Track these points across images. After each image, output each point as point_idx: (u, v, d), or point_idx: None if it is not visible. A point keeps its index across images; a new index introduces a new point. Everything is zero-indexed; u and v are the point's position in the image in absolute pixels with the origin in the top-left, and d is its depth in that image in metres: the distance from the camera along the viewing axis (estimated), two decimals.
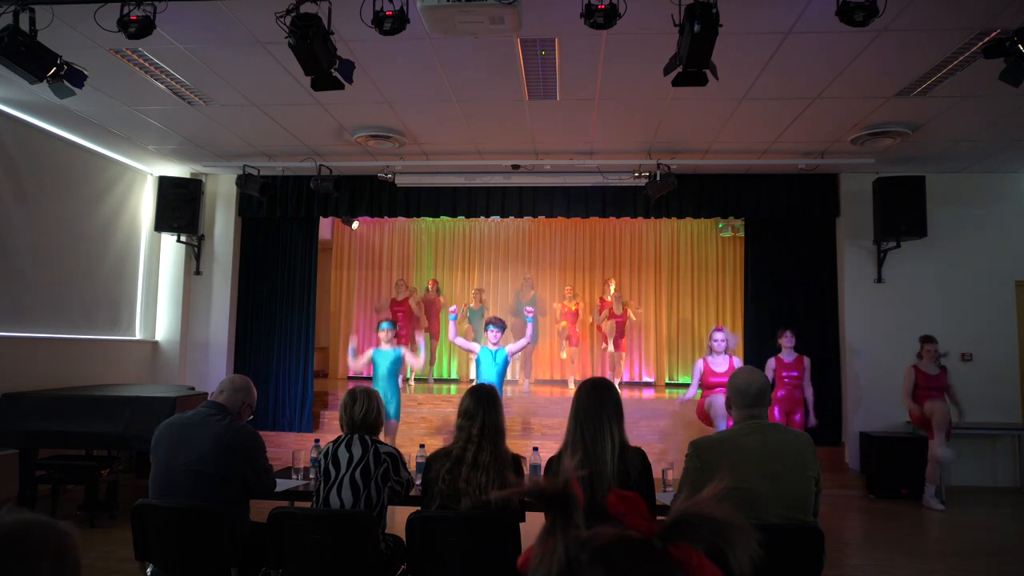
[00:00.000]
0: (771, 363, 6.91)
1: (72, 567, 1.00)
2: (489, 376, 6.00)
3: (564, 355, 10.57)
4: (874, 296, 7.77)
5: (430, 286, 10.98)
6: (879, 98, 5.68)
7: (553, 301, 11.32)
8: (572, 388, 9.87)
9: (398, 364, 6.49)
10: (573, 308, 10.30)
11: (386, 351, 6.47)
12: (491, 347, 6.16)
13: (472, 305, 10.53)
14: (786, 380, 6.81)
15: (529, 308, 6.53)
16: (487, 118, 6.29)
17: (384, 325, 6.58)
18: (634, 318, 10.37)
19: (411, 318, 10.25)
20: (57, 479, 5.70)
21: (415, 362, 6.81)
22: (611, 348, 10.02)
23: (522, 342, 6.37)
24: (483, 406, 3.07)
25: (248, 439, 3.19)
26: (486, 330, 6.22)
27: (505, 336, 6.56)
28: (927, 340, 6.77)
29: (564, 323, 10.31)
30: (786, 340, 6.87)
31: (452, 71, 5.25)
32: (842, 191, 7.91)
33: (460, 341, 6.45)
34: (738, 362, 6.22)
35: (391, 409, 6.26)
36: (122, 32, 3.89)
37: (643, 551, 0.74)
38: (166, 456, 3.13)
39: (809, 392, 6.83)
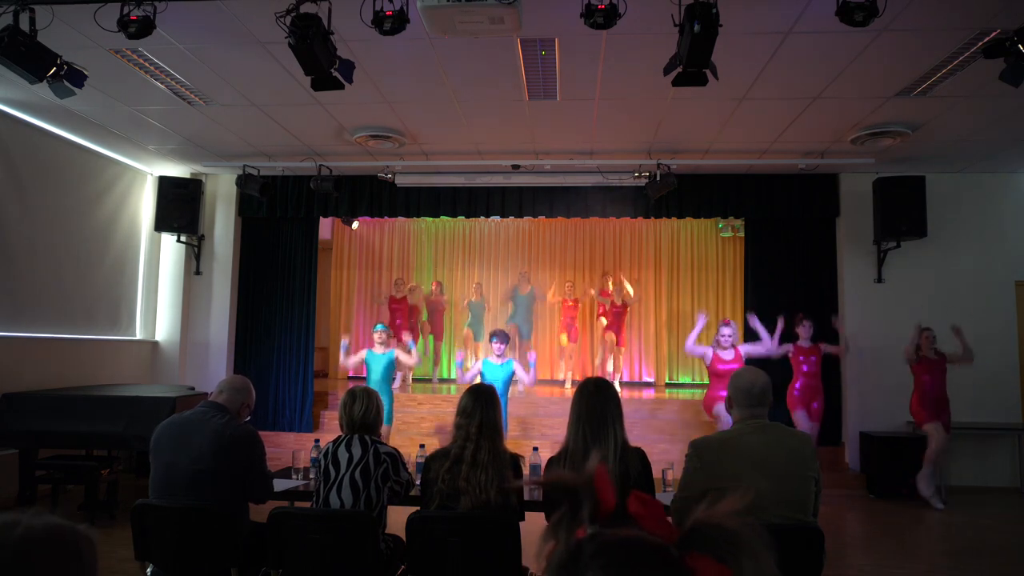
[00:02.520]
0: (789, 348, 6.94)
1: (91, 571, 1.02)
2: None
3: (564, 342, 10.48)
4: (874, 296, 7.77)
5: (434, 287, 10.96)
6: (879, 98, 5.68)
7: (554, 298, 11.32)
8: (569, 388, 9.95)
9: (391, 367, 6.39)
10: (572, 302, 10.29)
11: (379, 354, 6.36)
12: (495, 360, 6.05)
13: (473, 298, 10.54)
14: (805, 368, 6.90)
15: (532, 353, 6.40)
16: (487, 118, 6.29)
17: (378, 327, 6.49)
18: (631, 292, 10.14)
19: (409, 315, 10.25)
20: (57, 479, 5.70)
21: (409, 361, 6.69)
22: (602, 326, 10.02)
23: (525, 379, 6.16)
24: (481, 404, 3.07)
25: (247, 436, 3.20)
26: (491, 341, 6.13)
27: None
28: (925, 330, 6.79)
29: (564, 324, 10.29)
30: (804, 330, 6.94)
31: (452, 71, 5.25)
32: (842, 191, 7.91)
33: (469, 377, 6.19)
34: (744, 349, 6.25)
35: (383, 414, 6.16)
36: (122, 32, 3.89)
37: (659, 556, 0.72)
38: (166, 456, 3.13)
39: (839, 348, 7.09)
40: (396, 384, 6.43)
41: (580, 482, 0.79)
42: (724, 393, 5.85)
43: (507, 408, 6.10)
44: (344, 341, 6.72)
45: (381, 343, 6.39)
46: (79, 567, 1.00)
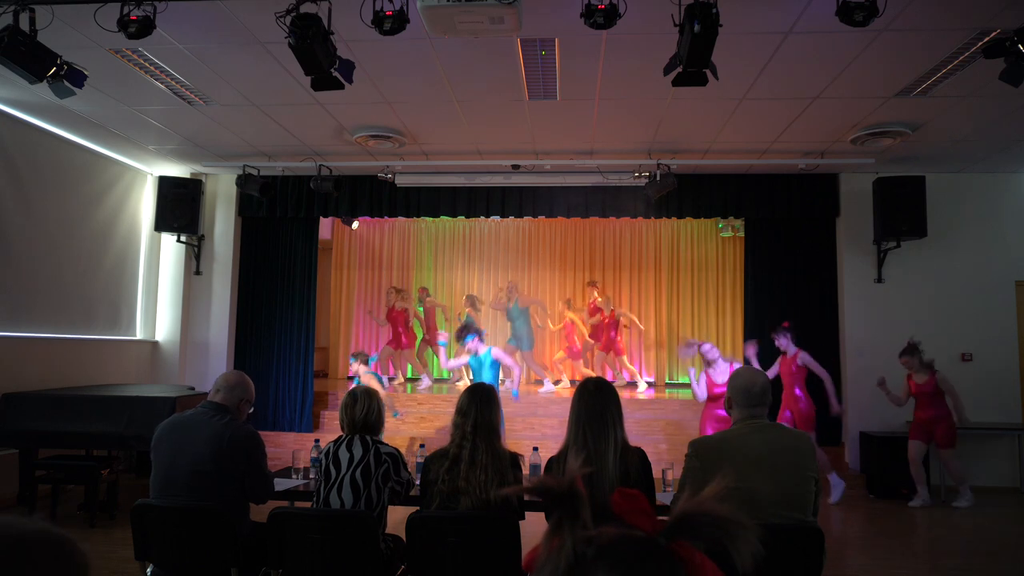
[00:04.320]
0: (779, 360, 6.83)
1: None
2: (484, 380, 6.01)
3: (560, 356, 10.58)
4: (874, 296, 7.77)
5: (420, 294, 10.81)
6: (879, 98, 5.68)
7: (554, 302, 11.33)
8: (560, 388, 9.95)
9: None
10: (570, 320, 10.25)
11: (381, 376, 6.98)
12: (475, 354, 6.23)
13: (467, 310, 10.48)
14: (784, 377, 6.79)
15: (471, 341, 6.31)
16: (487, 118, 6.28)
17: (352, 360, 7.00)
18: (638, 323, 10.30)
19: (407, 322, 10.21)
20: (57, 479, 5.70)
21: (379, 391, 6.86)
22: (597, 351, 10.01)
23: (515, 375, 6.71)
24: (476, 403, 3.07)
25: (246, 438, 3.18)
26: (466, 341, 6.19)
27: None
28: (900, 354, 6.74)
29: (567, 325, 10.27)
30: (782, 343, 6.79)
31: (452, 71, 5.25)
32: (842, 191, 7.91)
33: (452, 363, 6.92)
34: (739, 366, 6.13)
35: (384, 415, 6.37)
36: (122, 32, 3.89)
37: (647, 549, 0.74)
38: (166, 456, 3.13)
39: (823, 373, 6.71)
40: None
41: (564, 486, 0.80)
42: (721, 412, 5.75)
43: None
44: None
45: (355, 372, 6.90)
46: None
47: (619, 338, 10.03)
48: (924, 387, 6.63)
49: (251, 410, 3.40)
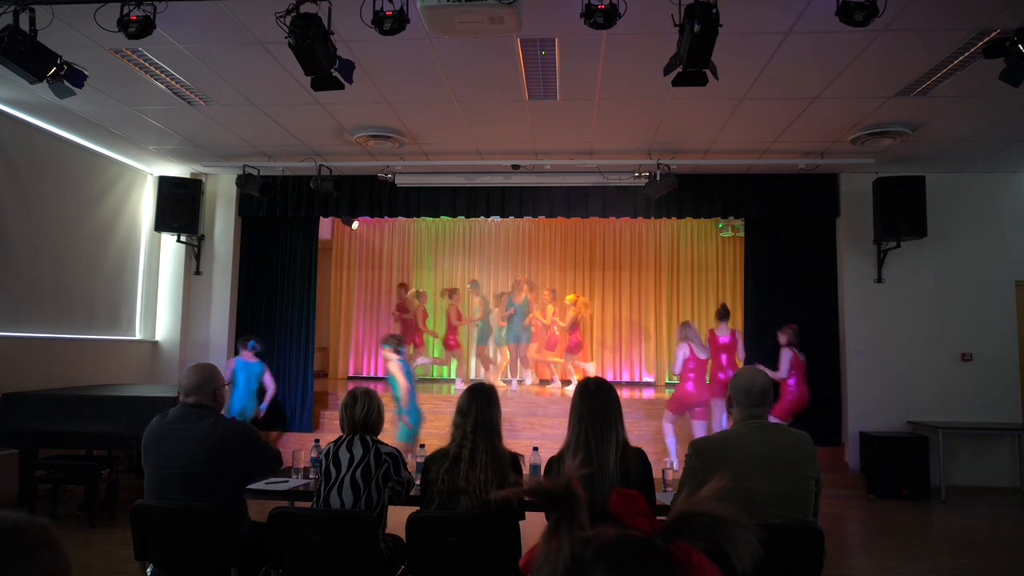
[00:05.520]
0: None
1: (63, 560, 0.96)
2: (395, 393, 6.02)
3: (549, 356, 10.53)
4: (874, 296, 7.77)
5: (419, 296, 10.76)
6: (879, 98, 5.68)
7: (553, 302, 11.30)
8: (553, 388, 9.92)
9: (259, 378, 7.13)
10: (551, 314, 10.16)
11: (252, 363, 7.06)
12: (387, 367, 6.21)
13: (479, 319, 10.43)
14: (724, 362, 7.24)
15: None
16: (487, 118, 6.29)
17: (251, 344, 7.12)
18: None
19: (416, 324, 10.22)
20: (57, 479, 5.70)
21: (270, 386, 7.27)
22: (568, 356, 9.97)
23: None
24: (476, 403, 3.07)
25: (239, 436, 3.15)
26: (384, 347, 6.15)
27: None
28: (780, 331, 7.20)
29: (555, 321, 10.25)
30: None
31: (452, 71, 5.25)
32: (842, 191, 7.91)
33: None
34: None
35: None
36: (122, 32, 3.90)
37: (645, 550, 0.74)
38: (158, 460, 3.08)
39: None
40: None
41: (561, 488, 0.80)
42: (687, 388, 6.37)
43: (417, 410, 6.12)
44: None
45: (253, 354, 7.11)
46: (50, 557, 0.92)
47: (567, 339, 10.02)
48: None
49: (225, 384, 3.33)
